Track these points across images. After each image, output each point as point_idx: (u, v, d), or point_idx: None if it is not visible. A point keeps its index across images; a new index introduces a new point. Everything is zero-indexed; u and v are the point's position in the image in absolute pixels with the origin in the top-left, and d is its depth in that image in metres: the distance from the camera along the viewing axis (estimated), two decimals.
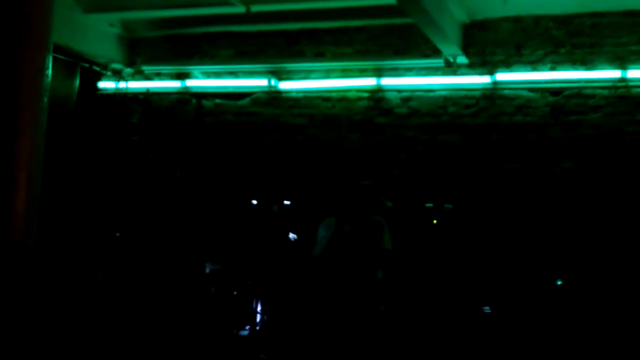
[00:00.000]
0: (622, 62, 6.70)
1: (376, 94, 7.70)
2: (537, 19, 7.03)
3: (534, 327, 6.21)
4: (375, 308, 5.09)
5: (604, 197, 6.57)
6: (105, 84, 8.92)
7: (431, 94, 7.45)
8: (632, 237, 6.37)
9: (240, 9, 7.19)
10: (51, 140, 3.86)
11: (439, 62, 7.23)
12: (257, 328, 6.63)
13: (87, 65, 8.66)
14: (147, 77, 8.80)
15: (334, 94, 7.90)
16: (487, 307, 6.39)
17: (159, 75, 8.78)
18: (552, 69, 6.97)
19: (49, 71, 3.37)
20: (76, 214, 7.93)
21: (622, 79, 6.69)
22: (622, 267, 6.31)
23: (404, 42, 7.58)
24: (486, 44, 7.23)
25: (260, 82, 8.18)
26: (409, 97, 7.56)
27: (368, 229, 5.14)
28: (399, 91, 7.60)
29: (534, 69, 7.02)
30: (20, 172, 3.24)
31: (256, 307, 6.73)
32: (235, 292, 6.74)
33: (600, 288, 6.30)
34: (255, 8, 7.21)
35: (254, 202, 7.58)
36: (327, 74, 7.91)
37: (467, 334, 6.32)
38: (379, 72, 7.64)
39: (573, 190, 6.71)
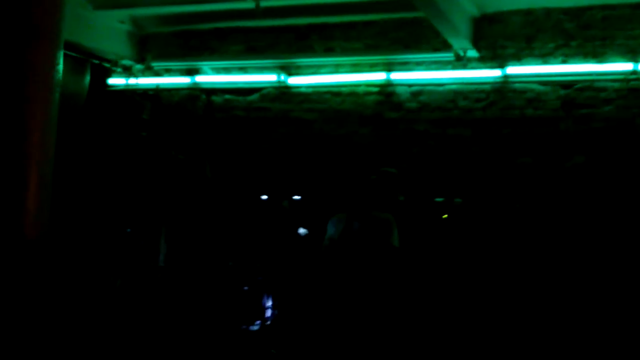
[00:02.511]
0: (634, 55, 6.65)
1: (386, 88, 7.68)
2: (548, 12, 7.00)
3: (547, 322, 6.18)
4: (382, 303, 5.08)
5: (617, 190, 6.53)
6: (115, 80, 8.95)
7: (441, 88, 7.43)
8: None
9: (249, 5, 7.17)
10: (62, 136, 3.88)
11: (449, 56, 7.21)
12: (268, 323, 6.64)
13: (97, 61, 8.70)
14: (157, 73, 8.82)
15: (343, 89, 7.89)
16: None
17: (168, 71, 8.80)
18: (564, 62, 6.93)
19: (60, 67, 3.39)
20: (87, 209, 7.97)
21: (634, 72, 6.64)
22: (635, 260, 6.27)
23: (414, 36, 7.56)
24: (497, 37, 7.20)
25: (270, 78, 8.19)
26: (419, 92, 7.54)
27: (377, 226, 5.12)
28: (409, 85, 7.58)
29: (545, 62, 6.98)
30: (32, 166, 3.27)
31: (266, 302, 6.75)
32: (245, 288, 6.76)
33: (612, 280, 6.26)
34: (265, 3, 7.18)
35: (264, 197, 7.59)
36: (337, 69, 7.91)
37: (478, 330, 6.31)
38: (388, 67, 7.62)
39: (585, 183, 6.67)
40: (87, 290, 6.19)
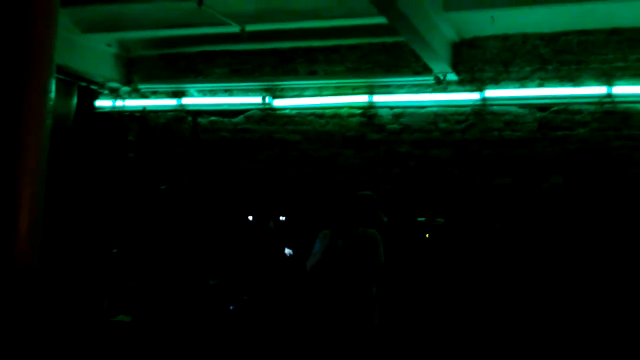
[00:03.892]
0: (608, 79, 6.86)
1: (368, 110, 7.85)
2: (525, 37, 7.21)
3: (529, 339, 6.31)
4: (370, 322, 5.14)
5: (592, 210, 6.70)
6: (102, 103, 9.05)
7: (422, 110, 7.60)
8: (619, 248, 6.49)
9: (235, 29, 7.34)
10: (50, 158, 3.96)
11: (429, 79, 7.40)
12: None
13: (84, 84, 8.79)
14: (144, 95, 8.94)
15: (327, 111, 8.05)
16: None
17: (155, 94, 8.92)
18: (540, 85, 7.12)
19: (53, 94, 3.49)
20: (74, 230, 8.01)
21: (608, 95, 6.83)
22: (611, 277, 6.43)
23: (395, 60, 7.75)
24: (475, 61, 7.40)
25: (255, 100, 8.33)
26: (400, 114, 7.71)
27: (363, 243, 5.17)
28: (391, 108, 7.75)
29: (522, 86, 7.18)
30: (24, 192, 3.30)
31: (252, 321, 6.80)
32: (231, 307, 6.82)
33: (590, 298, 6.41)
34: (250, 27, 7.36)
35: (250, 217, 7.67)
36: (320, 92, 8.07)
37: (460, 347, 6.41)
38: (371, 90, 7.80)
39: (562, 203, 6.84)
40: (75, 313, 6.22)
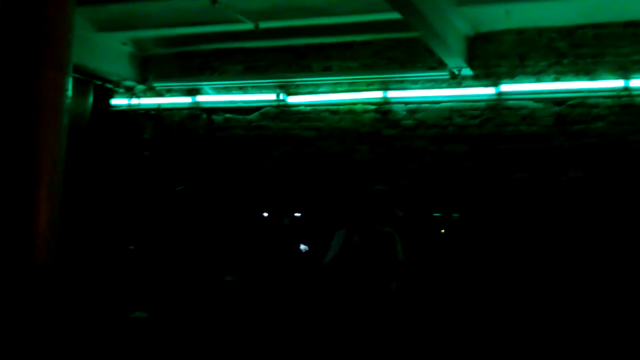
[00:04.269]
0: (624, 72, 6.77)
1: (383, 106, 7.83)
2: (540, 31, 7.15)
3: (547, 335, 6.27)
4: (389, 319, 5.13)
5: (610, 204, 6.64)
6: (117, 101, 9.11)
7: (437, 105, 7.57)
8: (638, 243, 6.43)
9: (249, 26, 7.36)
10: (66, 157, 4.00)
11: (444, 74, 7.36)
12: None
13: (100, 82, 8.86)
14: (159, 94, 8.98)
15: (341, 107, 8.04)
16: None
17: (170, 92, 8.96)
18: (556, 79, 7.06)
19: (69, 92, 3.53)
20: (92, 228, 8.08)
21: (625, 88, 6.75)
22: (629, 271, 6.38)
23: (410, 55, 7.72)
24: (490, 56, 7.35)
25: (269, 97, 8.34)
26: (415, 109, 7.68)
27: (380, 240, 5.17)
28: (406, 103, 7.72)
29: (538, 80, 7.12)
30: (41, 192, 3.35)
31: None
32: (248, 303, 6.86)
33: (609, 293, 6.36)
34: (264, 25, 7.37)
35: (265, 214, 7.70)
36: (335, 88, 8.05)
37: (478, 343, 6.39)
38: (385, 85, 7.77)
39: (580, 197, 6.78)
40: (94, 310, 6.27)
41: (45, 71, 3.29)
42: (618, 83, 6.78)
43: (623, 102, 6.81)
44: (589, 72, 6.95)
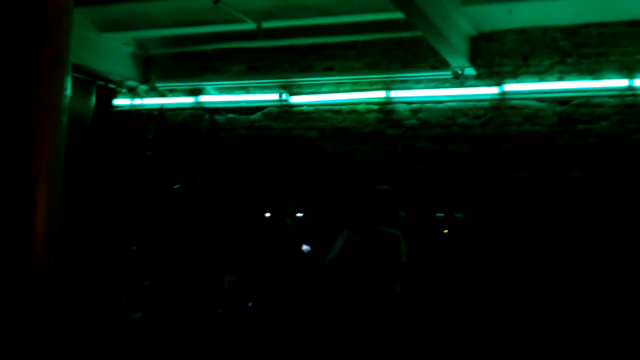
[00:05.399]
0: (629, 72, 6.74)
1: (386, 106, 7.81)
2: (544, 30, 7.12)
3: (548, 334, 6.25)
4: (393, 319, 5.09)
5: (613, 204, 6.61)
6: (120, 101, 9.11)
7: (440, 105, 7.54)
8: None
9: (251, 26, 7.35)
10: (69, 156, 3.99)
11: (447, 74, 7.33)
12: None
13: (102, 83, 8.88)
14: (161, 94, 8.98)
15: (344, 107, 8.02)
16: None
17: (172, 92, 8.95)
18: (560, 79, 7.02)
19: (68, 91, 3.51)
20: (95, 228, 8.08)
21: (630, 88, 6.72)
22: (631, 271, 6.34)
23: (413, 55, 7.70)
24: (493, 55, 7.32)
25: (272, 97, 8.33)
26: (418, 109, 7.66)
27: (383, 241, 5.14)
28: (409, 103, 7.70)
29: (542, 80, 7.08)
30: (39, 191, 3.33)
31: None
32: (250, 304, 6.84)
33: (611, 292, 6.33)
34: (266, 24, 7.36)
35: (268, 214, 7.68)
36: (337, 88, 8.04)
37: (481, 342, 6.37)
38: (388, 85, 7.75)
39: (582, 197, 6.75)
40: (95, 310, 6.27)
41: (43, 70, 3.27)
42: (622, 82, 6.75)
43: (627, 101, 6.78)
44: (592, 72, 6.91)
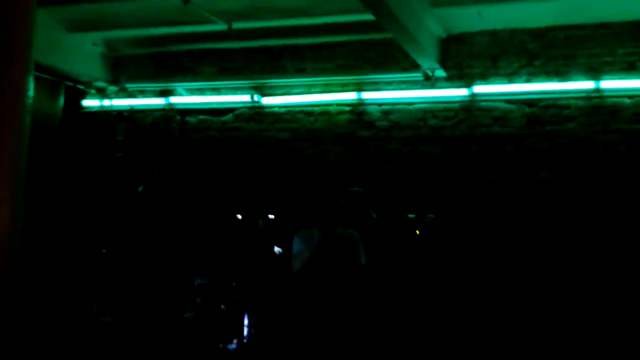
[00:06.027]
0: (595, 73, 6.85)
1: (357, 107, 7.83)
2: (512, 33, 7.19)
3: (520, 334, 6.29)
4: (356, 319, 5.09)
5: (581, 204, 6.70)
6: (89, 102, 9.00)
7: (411, 107, 7.58)
8: (608, 241, 6.48)
9: (222, 27, 7.31)
10: (36, 158, 3.93)
11: (418, 75, 7.38)
12: (245, 341, 6.67)
13: (71, 83, 8.75)
14: (131, 95, 8.89)
15: (316, 109, 8.02)
16: None
17: (143, 93, 8.87)
18: (528, 80, 7.11)
19: (31, 92, 3.45)
20: (64, 231, 7.95)
21: (596, 90, 6.83)
22: (600, 270, 6.42)
23: (384, 57, 7.73)
24: (463, 57, 7.38)
25: (244, 98, 8.30)
26: (389, 111, 7.68)
27: (341, 243, 5.08)
28: (380, 105, 7.73)
29: (510, 81, 7.16)
30: (1, 193, 3.28)
31: (243, 320, 6.78)
32: (222, 306, 6.79)
33: (579, 292, 6.40)
34: (237, 25, 7.33)
35: (239, 216, 7.64)
36: (309, 89, 8.04)
37: (450, 345, 6.39)
38: (359, 87, 7.78)
39: (551, 198, 6.83)
40: (63, 316, 6.17)
41: (3, 71, 3.21)
42: (589, 84, 6.85)
43: (594, 103, 6.88)
44: (560, 74, 7.01)
